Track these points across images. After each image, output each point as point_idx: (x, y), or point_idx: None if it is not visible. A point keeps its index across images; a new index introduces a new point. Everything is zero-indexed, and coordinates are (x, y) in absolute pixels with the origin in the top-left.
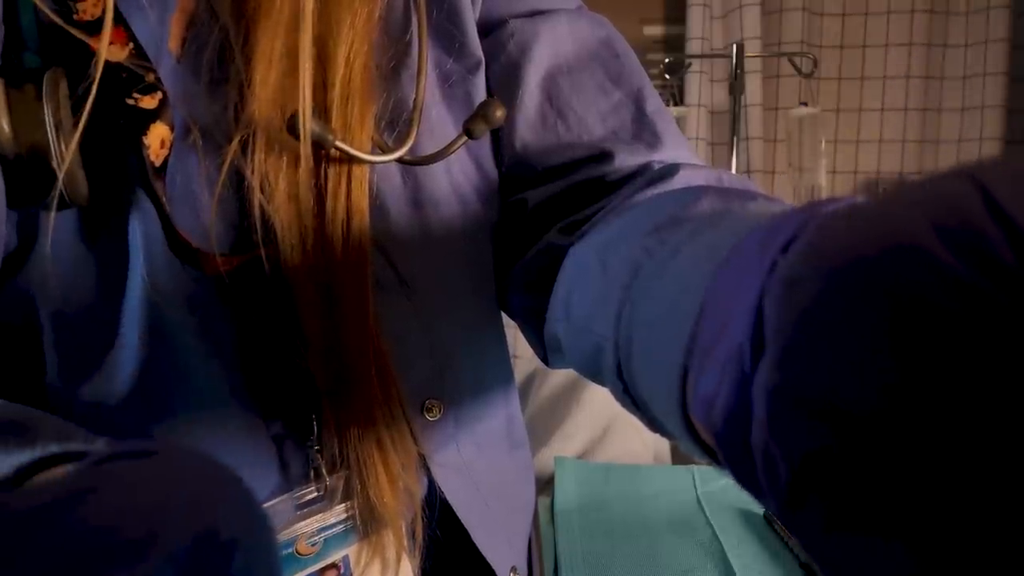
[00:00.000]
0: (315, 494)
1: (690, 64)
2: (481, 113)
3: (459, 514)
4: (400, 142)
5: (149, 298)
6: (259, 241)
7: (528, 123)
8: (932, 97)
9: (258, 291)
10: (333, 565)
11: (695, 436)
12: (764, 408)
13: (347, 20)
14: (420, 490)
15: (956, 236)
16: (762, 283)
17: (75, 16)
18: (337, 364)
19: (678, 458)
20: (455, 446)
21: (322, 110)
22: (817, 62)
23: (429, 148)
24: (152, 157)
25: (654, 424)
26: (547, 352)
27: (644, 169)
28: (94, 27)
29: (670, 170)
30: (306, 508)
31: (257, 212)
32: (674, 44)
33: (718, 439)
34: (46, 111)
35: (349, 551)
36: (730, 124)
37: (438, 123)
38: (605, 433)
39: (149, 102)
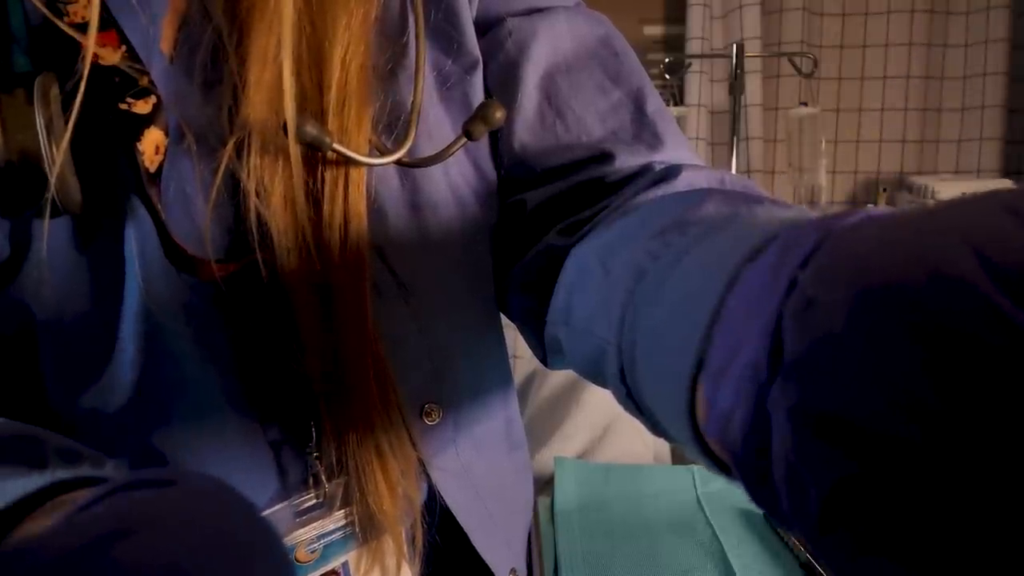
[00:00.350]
0: (314, 501)
1: (690, 64)
2: (480, 114)
3: (458, 517)
4: (398, 144)
5: (145, 306)
6: (255, 246)
7: (527, 124)
8: (932, 97)
9: (255, 297)
10: (333, 572)
11: (702, 444)
12: (789, 431)
13: (343, 21)
14: (419, 496)
15: (1004, 272)
16: (780, 300)
17: (66, 19)
18: (335, 370)
19: (678, 458)
20: (454, 449)
21: (318, 113)
22: (817, 62)
23: (427, 150)
24: (147, 163)
25: (657, 428)
26: (547, 354)
27: (645, 170)
28: (85, 29)
29: (672, 171)
30: (305, 515)
31: (253, 217)
32: (674, 44)
33: (735, 458)
34: (37, 116)
35: (349, 557)
36: (730, 124)
37: (436, 125)
38: (605, 433)
39: (143, 107)
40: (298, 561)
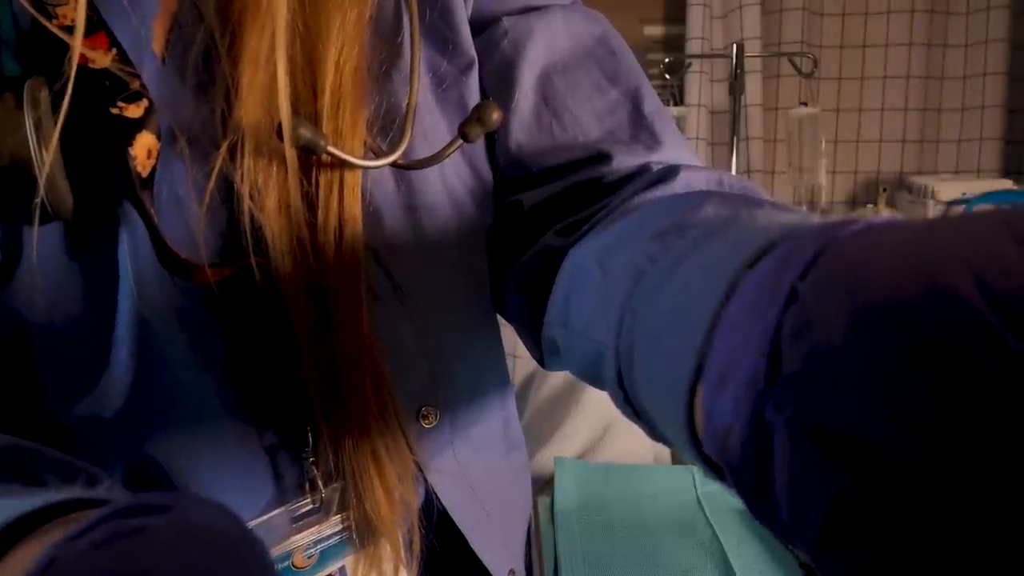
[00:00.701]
0: (310, 506)
1: (690, 64)
2: (476, 116)
3: (456, 519)
4: (393, 146)
5: (138, 311)
6: (249, 251)
7: (523, 124)
8: (932, 97)
9: (249, 301)
10: None
11: (699, 451)
12: (788, 445)
13: (336, 22)
14: (416, 499)
15: (1001, 297)
16: (779, 311)
17: (55, 21)
18: (331, 374)
19: (678, 458)
20: (451, 451)
21: (312, 116)
22: (817, 62)
23: (423, 152)
24: (139, 168)
25: (654, 432)
26: (544, 355)
27: (643, 170)
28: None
29: (670, 172)
30: (302, 520)
31: (247, 220)
32: (674, 44)
33: (733, 472)
34: (26, 120)
35: (346, 562)
36: (730, 124)
37: (432, 126)
38: (605, 433)
39: (134, 111)
40: (295, 567)
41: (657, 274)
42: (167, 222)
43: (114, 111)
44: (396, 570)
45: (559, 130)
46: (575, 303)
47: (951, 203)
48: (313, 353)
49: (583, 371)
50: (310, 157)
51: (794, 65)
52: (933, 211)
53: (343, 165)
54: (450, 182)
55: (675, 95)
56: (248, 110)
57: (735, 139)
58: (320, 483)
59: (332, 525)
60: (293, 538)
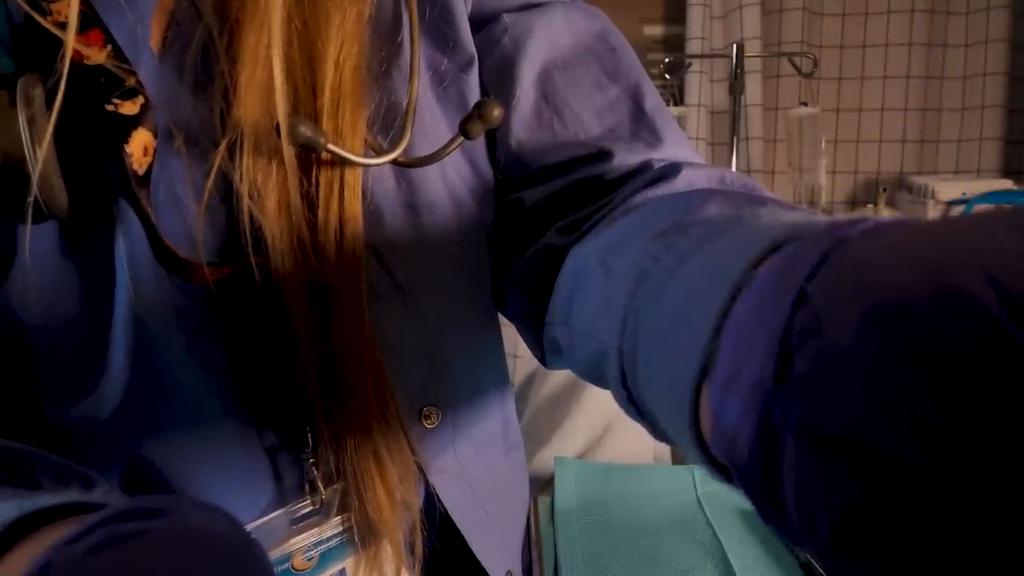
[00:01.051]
0: (310, 507)
1: (690, 64)
2: (477, 113)
3: (456, 519)
4: (394, 145)
5: (135, 312)
6: (249, 250)
7: (524, 121)
8: (932, 97)
9: (248, 301)
10: None
11: (704, 449)
12: (796, 450)
13: (336, 20)
14: (417, 500)
15: (1014, 297)
16: (787, 314)
17: (49, 18)
18: (331, 374)
19: (678, 458)
20: (453, 452)
21: (312, 114)
22: (817, 62)
23: (423, 150)
24: (135, 166)
25: (658, 432)
26: (546, 354)
27: (644, 168)
28: None
29: (672, 169)
30: (302, 522)
31: (246, 219)
32: (674, 44)
33: (741, 474)
34: (20, 118)
35: (346, 564)
36: (730, 124)
37: (432, 124)
38: (605, 433)
39: (130, 108)
40: (294, 569)
41: (660, 274)
42: (165, 220)
43: (109, 108)
44: (398, 572)
45: (560, 127)
46: (577, 303)
47: (951, 203)
48: (313, 353)
49: (586, 371)
50: (310, 156)
51: (794, 65)
52: (933, 211)
53: (343, 163)
54: (451, 180)
55: (675, 95)
56: (247, 108)
57: (735, 139)
58: (320, 484)
59: (332, 527)
60: (293, 540)
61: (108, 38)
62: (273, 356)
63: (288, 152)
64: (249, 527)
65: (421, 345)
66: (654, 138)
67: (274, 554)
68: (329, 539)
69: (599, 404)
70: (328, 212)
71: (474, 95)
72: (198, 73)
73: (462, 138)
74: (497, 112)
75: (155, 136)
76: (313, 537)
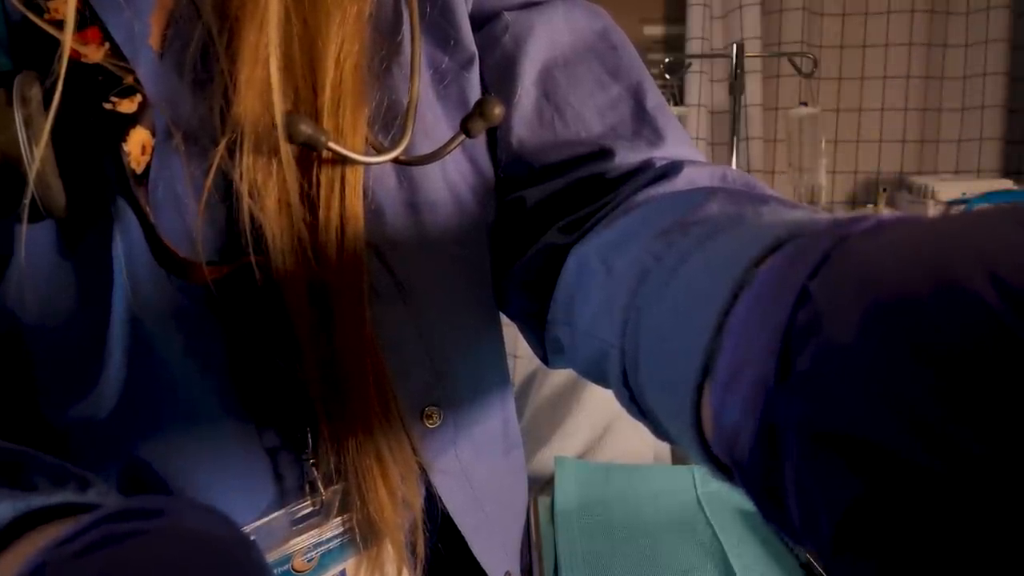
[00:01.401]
0: (310, 508)
1: (690, 64)
2: (479, 111)
3: (456, 519)
4: (395, 143)
5: (133, 311)
6: (249, 249)
7: (525, 120)
8: (932, 97)
9: (248, 300)
10: None
11: (706, 449)
12: (797, 448)
13: (336, 18)
14: (419, 500)
15: (1016, 293)
16: (789, 312)
17: (46, 16)
18: (333, 374)
19: (678, 458)
20: (454, 452)
21: (313, 113)
22: (817, 62)
23: (424, 149)
24: (133, 164)
25: (660, 431)
26: (547, 354)
27: (645, 166)
28: None
29: (673, 168)
30: (302, 523)
31: (246, 218)
32: (674, 44)
33: (743, 473)
34: (16, 116)
35: (347, 566)
36: (730, 124)
37: (433, 123)
38: (605, 433)
39: (128, 106)
40: (295, 570)
41: (661, 273)
42: (164, 219)
43: (107, 106)
44: (399, 572)
45: (561, 126)
46: (579, 302)
47: (951, 203)
48: (314, 352)
49: (588, 370)
50: (311, 154)
51: (794, 65)
52: (933, 211)
53: (344, 162)
54: (452, 179)
55: (675, 95)
56: (247, 106)
57: (735, 139)
58: (320, 485)
59: (332, 528)
60: (293, 541)
61: (106, 36)
62: (273, 356)
63: (285, 150)
64: (249, 528)
65: (422, 344)
66: (655, 136)
67: (274, 555)
68: (329, 540)
69: (599, 404)
70: (329, 211)
71: (475, 94)
72: (198, 72)
73: (463, 136)
74: (498, 110)
75: (153, 134)
76: (313, 538)
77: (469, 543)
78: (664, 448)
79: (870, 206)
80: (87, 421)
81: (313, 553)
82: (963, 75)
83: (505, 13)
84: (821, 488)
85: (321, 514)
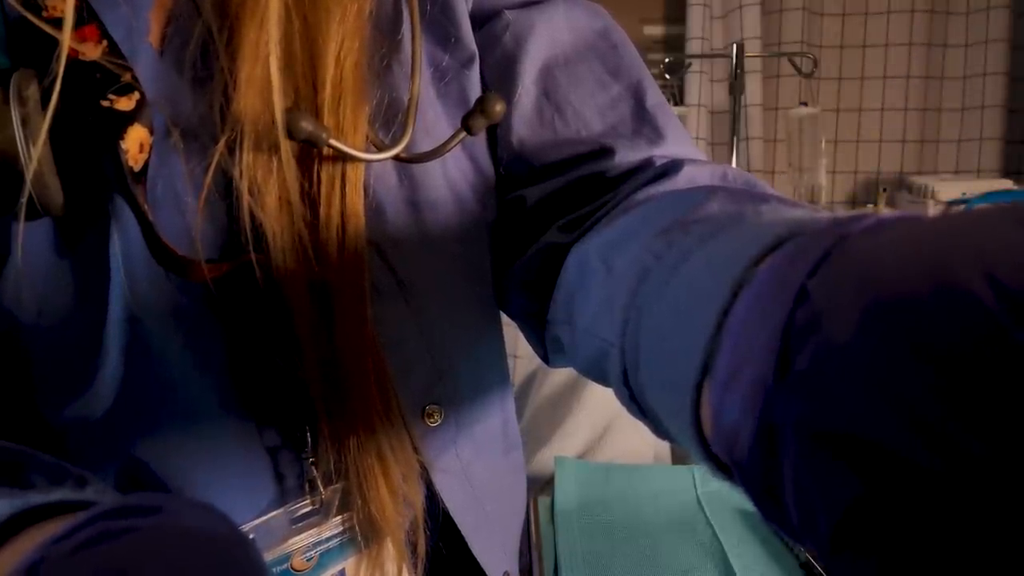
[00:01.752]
0: (310, 507)
1: (690, 64)
2: (480, 108)
3: (456, 518)
4: (395, 141)
5: (131, 310)
6: (249, 247)
7: (525, 119)
8: (932, 97)
9: (248, 298)
10: None
11: (706, 448)
12: (796, 447)
13: (336, 16)
14: (419, 499)
15: (1012, 293)
16: (789, 311)
17: (44, 13)
18: (333, 373)
19: (678, 458)
20: (454, 451)
21: (313, 111)
22: (817, 62)
23: (425, 146)
24: (131, 162)
25: (660, 430)
26: (548, 352)
27: (646, 165)
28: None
29: (673, 167)
30: (301, 522)
31: (246, 216)
32: (674, 44)
33: (742, 472)
34: (14, 114)
35: (346, 565)
36: (730, 124)
37: (433, 121)
38: (605, 433)
39: (126, 104)
40: (293, 569)
41: (662, 272)
42: (163, 217)
43: (105, 104)
44: (399, 572)
45: (561, 125)
46: (579, 301)
47: (951, 203)
48: (315, 351)
49: (588, 369)
50: (311, 152)
51: (794, 65)
52: (933, 211)
53: (345, 160)
54: (452, 177)
55: (675, 95)
56: (247, 104)
57: (735, 139)
58: (320, 484)
59: (332, 527)
60: (292, 540)
61: (103, 33)
62: (273, 354)
63: (285, 147)
64: (248, 526)
65: (423, 343)
66: (656, 135)
67: (273, 554)
68: (329, 539)
69: (599, 404)
70: (330, 209)
71: (475, 92)
72: (198, 69)
73: (464, 133)
74: (499, 107)
75: (151, 132)
76: (312, 537)
77: (469, 542)
78: (664, 448)
79: (870, 206)
80: (84, 420)
81: (312, 552)
82: (963, 75)
83: (505, 12)
84: (820, 487)
85: (321, 513)
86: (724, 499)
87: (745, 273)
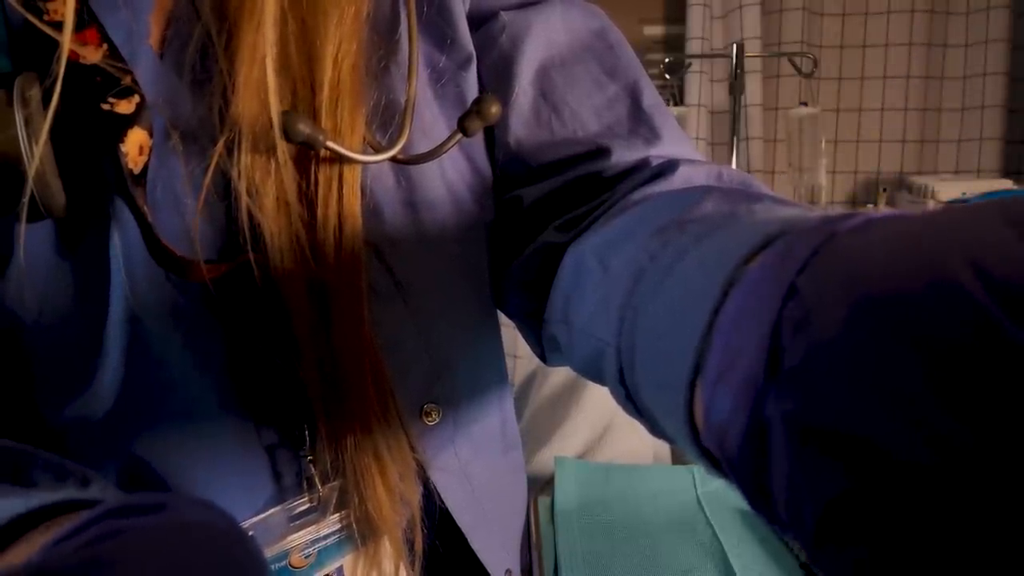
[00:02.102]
0: (308, 505)
1: (690, 64)
2: (476, 109)
3: (456, 517)
4: (393, 142)
5: (131, 310)
6: (248, 247)
7: (522, 119)
8: (932, 97)
9: (247, 298)
10: None
11: (700, 447)
12: (785, 442)
13: (333, 18)
14: (417, 498)
15: (1001, 286)
16: (779, 307)
17: (45, 17)
18: (331, 373)
19: (678, 458)
20: (453, 450)
21: (311, 112)
22: (817, 62)
23: (422, 148)
24: (131, 164)
25: (656, 429)
26: (545, 352)
27: (642, 165)
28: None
29: (669, 167)
30: (299, 519)
31: (245, 217)
32: (674, 44)
33: (732, 467)
34: (16, 117)
35: (344, 562)
36: (730, 124)
37: (430, 122)
38: (605, 433)
39: (126, 107)
40: (292, 566)
41: (657, 271)
42: (162, 218)
43: (105, 107)
44: (397, 569)
45: (558, 125)
46: (576, 301)
47: (951, 203)
48: (313, 351)
49: (585, 368)
50: (309, 153)
51: (794, 65)
52: None
53: (342, 161)
54: (450, 178)
55: (675, 95)
56: (245, 106)
57: (735, 139)
58: (318, 482)
59: (330, 524)
60: (290, 537)
61: (104, 37)
62: (272, 354)
63: (282, 149)
64: (246, 524)
65: (421, 343)
66: (652, 135)
67: (271, 551)
68: (327, 537)
69: (599, 404)
70: (327, 210)
71: (472, 93)
72: (197, 71)
73: (460, 134)
74: (495, 108)
75: (150, 135)
76: (310, 535)
77: (469, 540)
78: (664, 448)
79: (870, 206)
80: (84, 419)
81: (311, 549)
82: (963, 75)
83: (502, 13)
84: (807, 482)
85: (319, 511)
86: (724, 499)
87: (736, 272)
